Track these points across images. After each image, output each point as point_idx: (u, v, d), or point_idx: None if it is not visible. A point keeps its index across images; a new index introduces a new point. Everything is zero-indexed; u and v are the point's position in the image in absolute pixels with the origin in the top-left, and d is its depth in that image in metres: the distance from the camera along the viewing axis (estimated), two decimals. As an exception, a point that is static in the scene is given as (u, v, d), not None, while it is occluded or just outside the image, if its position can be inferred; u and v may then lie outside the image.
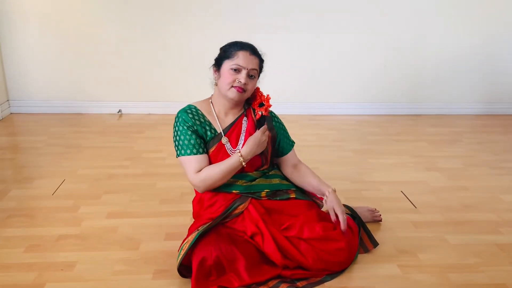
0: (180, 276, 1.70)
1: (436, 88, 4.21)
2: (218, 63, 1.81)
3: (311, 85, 4.14)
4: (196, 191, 1.93)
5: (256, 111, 1.88)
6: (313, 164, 2.78)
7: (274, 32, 3.90)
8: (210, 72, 1.88)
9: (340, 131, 3.71)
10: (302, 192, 1.96)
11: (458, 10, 3.98)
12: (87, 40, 3.88)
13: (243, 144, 1.81)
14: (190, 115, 1.79)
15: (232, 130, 1.85)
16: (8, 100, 3.98)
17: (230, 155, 1.80)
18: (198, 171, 1.76)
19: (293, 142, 2.03)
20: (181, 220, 2.16)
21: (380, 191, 2.55)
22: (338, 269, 1.74)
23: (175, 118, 1.83)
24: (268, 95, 1.89)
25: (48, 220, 2.15)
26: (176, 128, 1.80)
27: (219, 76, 1.80)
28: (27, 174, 2.71)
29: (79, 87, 4.01)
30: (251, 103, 1.92)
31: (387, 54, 4.07)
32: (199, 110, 1.83)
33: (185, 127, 1.77)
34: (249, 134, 1.84)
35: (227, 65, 1.75)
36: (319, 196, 1.96)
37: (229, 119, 1.87)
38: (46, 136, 3.42)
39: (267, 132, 1.83)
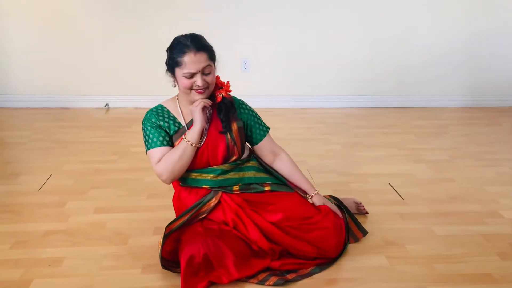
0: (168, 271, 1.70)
1: (423, 81, 4.25)
2: (170, 70, 1.76)
3: (299, 79, 4.14)
4: (175, 187, 1.89)
5: (216, 94, 1.81)
6: (301, 157, 2.80)
7: (260, 25, 3.88)
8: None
9: (328, 124, 3.73)
10: (280, 184, 1.89)
11: (446, 4, 4.00)
12: (72, 32, 3.83)
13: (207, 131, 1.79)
14: (155, 113, 1.80)
15: None
16: (-9, 95, 3.92)
17: None
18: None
19: (267, 128, 1.93)
20: (169, 214, 2.13)
21: (368, 183, 2.57)
22: (327, 255, 1.76)
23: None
24: (228, 82, 1.83)
25: (34, 216, 2.13)
26: (143, 126, 1.81)
27: (177, 81, 1.76)
28: (12, 170, 2.67)
29: (64, 80, 3.96)
30: (214, 93, 1.83)
31: (374, 47, 4.09)
32: (164, 107, 1.83)
33: (148, 124, 1.78)
34: (214, 121, 1.80)
35: (179, 73, 1.71)
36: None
37: None
38: (31, 131, 3.37)
39: (202, 102, 1.75)
